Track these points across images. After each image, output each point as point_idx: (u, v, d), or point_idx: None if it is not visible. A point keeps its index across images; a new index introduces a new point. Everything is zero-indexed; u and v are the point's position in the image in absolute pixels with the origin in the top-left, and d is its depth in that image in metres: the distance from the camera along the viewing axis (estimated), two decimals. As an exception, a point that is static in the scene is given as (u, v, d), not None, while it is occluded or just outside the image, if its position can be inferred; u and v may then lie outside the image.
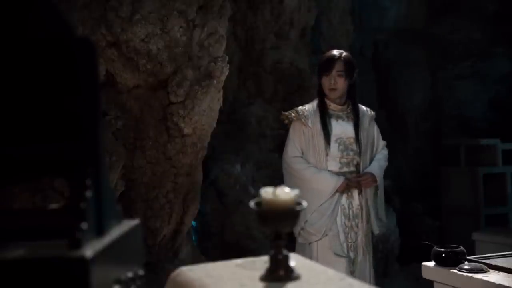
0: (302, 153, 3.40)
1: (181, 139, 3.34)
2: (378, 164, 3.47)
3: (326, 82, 3.37)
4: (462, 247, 2.70)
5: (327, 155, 3.37)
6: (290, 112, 3.46)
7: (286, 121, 3.47)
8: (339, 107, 3.44)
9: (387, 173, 3.52)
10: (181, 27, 3.17)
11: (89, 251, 0.95)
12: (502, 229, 4.81)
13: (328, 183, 3.32)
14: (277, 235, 1.39)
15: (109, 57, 3.07)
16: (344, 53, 3.44)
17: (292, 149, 3.42)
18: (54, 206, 1.21)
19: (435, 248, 2.72)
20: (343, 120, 3.43)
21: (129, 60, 3.10)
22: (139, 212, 3.34)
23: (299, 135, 3.41)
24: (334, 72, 3.34)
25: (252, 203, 1.40)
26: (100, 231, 1.05)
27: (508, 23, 6.52)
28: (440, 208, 6.05)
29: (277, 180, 3.32)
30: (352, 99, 3.46)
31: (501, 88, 6.58)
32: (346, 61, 3.38)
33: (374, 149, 3.53)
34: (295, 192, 1.39)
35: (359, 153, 3.40)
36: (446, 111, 6.59)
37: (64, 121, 1.03)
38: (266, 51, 4.94)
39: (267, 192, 1.38)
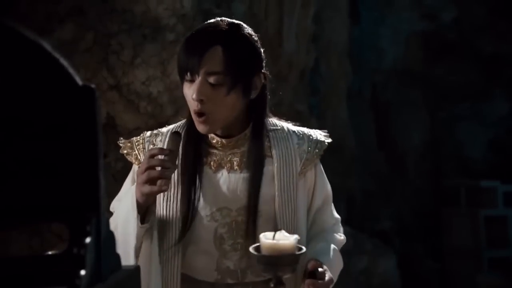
0: None
1: (180, 181, 3.33)
2: (334, 252, 1.56)
3: (187, 94, 1.49)
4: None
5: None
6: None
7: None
8: (226, 140, 1.55)
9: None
10: (181, 70, 3.20)
11: (87, 298, 0.94)
12: (506, 273, 4.76)
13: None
14: (277, 280, 1.37)
15: (109, 100, 3.09)
16: (229, 25, 1.48)
17: None
18: (52, 252, 1.21)
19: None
20: (233, 170, 1.54)
21: (129, 103, 3.12)
22: (137, 255, 3.31)
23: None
24: (201, 76, 1.44)
25: (251, 249, 1.39)
26: (99, 277, 1.04)
27: (505, 65, 6.60)
28: (442, 250, 5.99)
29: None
30: (257, 119, 1.60)
31: (500, 129, 6.61)
32: (234, 46, 1.46)
33: (310, 219, 1.62)
34: (295, 236, 1.38)
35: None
36: (445, 152, 6.60)
37: (64, 166, 1.03)
38: (265, 93, 4.97)
39: (266, 237, 1.36)
